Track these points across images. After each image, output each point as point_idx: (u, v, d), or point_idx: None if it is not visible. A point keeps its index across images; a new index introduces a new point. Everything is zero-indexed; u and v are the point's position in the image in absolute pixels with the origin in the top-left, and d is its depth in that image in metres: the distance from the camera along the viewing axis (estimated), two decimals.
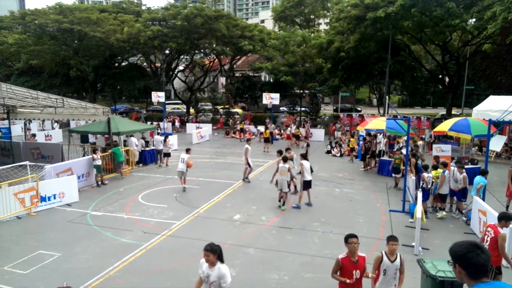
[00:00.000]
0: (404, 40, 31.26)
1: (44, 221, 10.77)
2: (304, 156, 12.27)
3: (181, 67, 43.36)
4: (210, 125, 30.64)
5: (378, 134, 18.46)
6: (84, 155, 17.01)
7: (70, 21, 32.84)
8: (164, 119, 30.39)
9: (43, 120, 30.20)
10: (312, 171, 12.44)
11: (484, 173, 10.79)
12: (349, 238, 5.21)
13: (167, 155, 18.16)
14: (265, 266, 8.07)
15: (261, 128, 26.70)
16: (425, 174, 11.12)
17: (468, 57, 31.56)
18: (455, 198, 11.58)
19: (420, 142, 19.99)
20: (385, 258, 5.50)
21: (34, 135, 21.39)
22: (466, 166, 14.62)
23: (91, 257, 8.43)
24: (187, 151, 14.31)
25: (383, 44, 28.72)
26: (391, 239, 5.59)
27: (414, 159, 13.05)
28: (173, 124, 32.40)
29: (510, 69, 26.41)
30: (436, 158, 13.04)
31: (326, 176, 16.23)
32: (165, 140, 18.20)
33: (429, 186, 11.04)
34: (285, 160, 11.90)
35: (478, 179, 10.60)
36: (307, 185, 11.91)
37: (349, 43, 28.84)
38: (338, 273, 5.27)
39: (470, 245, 2.48)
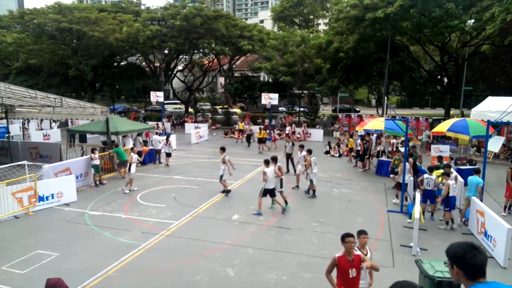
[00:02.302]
0: (403, 41, 31.32)
1: (42, 221, 10.74)
2: (272, 160, 11.77)
3: (180, 67, 43.35)
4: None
5: (370, 135, 18.50)
6: (82, 155, 16.98)
7: (69, 21, 32.80)
8: (164, 119, 30.36)
9: (41, 120, 30.15)
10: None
11: (478, 172, 10.87)
12: (346, 237, 5.21)
13: (169, 155, 18.14)
14: (263, 266, 8.07)
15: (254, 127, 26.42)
16: (424, 175, 11.04)
17: (467, 58, 31.65)
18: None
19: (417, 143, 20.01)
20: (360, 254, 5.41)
21: (9, 132, 20.96)
22: (464, 167, 14.71)
23: (89, 257, 8.41)
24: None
25: (382, 44, 28.78)
26: (362, 232, 5.61)
27: (412, 159, 13.03)
28: (173, 124, 32.53)
29: (508, 70, 26.47)
30: (439, 158, 13.07)
31: (324, 176, 16.22)
32: (167, 140, 18.25)
33: (424, 187, 10.92)
34: (310, 152, 13.14)
35: (474, 179, 10.58)
36: (268, 193, 11.36)
37: (348, 44, 28.89)
38: (335, 271, 5.27)
39: (467, 246, 2.49)
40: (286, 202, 11.65)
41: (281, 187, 11.71)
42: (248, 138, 24.50)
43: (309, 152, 13.22)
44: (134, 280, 7.49)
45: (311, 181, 13.01)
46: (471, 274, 2.44)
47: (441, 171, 11.54)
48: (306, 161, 12.83)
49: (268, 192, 11.36)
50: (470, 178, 10.74)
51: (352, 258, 5.17)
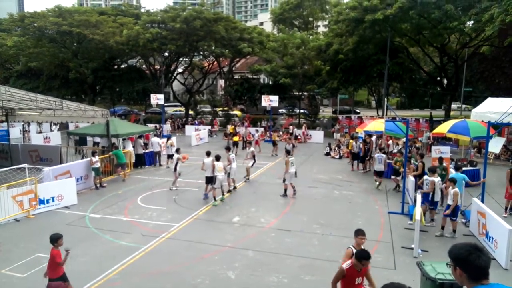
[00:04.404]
0: (403, 42, 31.35)
1: (42, 224, 10.73)
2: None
3: (180, 69, 43.36)
4: (209, 127, 30.74)
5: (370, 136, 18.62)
6: (82, 158, 16.98)
7: (69, 24, 32.84)
8: (168, 121, 30.44)
9: (41, 122, 29.99)
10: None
11: (459, 168, 11.30)
12: (363, 260, 5.14)
13: (171, 156, 18.13)
14: (264, 268, 8.05)
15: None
16: (430, 178, 10.76)
17: (466, 59, 31.67)
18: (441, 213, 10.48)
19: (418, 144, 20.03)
20: (355, 252, 5.64)
21: None
22: (465, 168, 14.67)
23: (90, 260, 8.40)
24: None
25: (381, 46, 28.80)
26: (360, 233, 5.87)
27: (422, 163, 12.74)
28: (177, 127, 32.75)
29: (508, 71, 26.50)
30: (440, 159, 13.06)
31: (325, 178, 16.22)
32: (167, 142, 18.35)
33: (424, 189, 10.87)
34: (288, 152, 14.22)
35: (458, 175, 10.80)
36: (208, 180, 12.74)
37: (347, 45, 28.92)
38: (340, 282, 5.27)
39: (471, 247, 2.47)
40: (214, 199, 12.53)
41: (214, 183, 12.62)
42: (236, 143, 22.26)
43: (288, 152, 14.09)
44: (135, 282, 7.47)
45: (283, 180, 13.29)
46: (474, 275, 2.43)
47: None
48: (285, 162, 13.31)
49: (209, 180, 12.67)
50: (453, 175, 10.89)
51: (360, 269, 5.17)
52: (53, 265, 6.34)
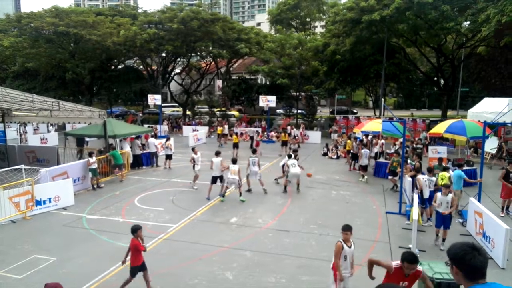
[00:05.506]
0: (399, 43, 31.47)
1: (39, 225, 10.69)
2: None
3: (177, 70, 43.33)
4: (207, 127, 30.72)
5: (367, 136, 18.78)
6: (80, 159, 16.91)
7: (66, 24, 32.74)
8: (164, 121, 30.36)
9: (25, 124, 29.16)
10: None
11: (460, 166, 11.64)
12: (407, 262, 4.97)
13: (169, 157, 18.10)
14: (262, 269, 8.05)
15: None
16: (420, 176, 10.94)
17: (463, 60, 31.83)
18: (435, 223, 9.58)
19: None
20: (344, 246, 6.12)
21: None
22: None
23: (87, 261, 8.37)
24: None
25: (378, 47, 28.91)
26: (346, 228, 6.23)
27: (419, 163, 12.76)
28: (174, 127, 32.73)
29: (504, 71, 26.67)
30: (439, 160, 13.15)
31: (322, 178, 16.24)
32: (165, 142, 18.38)
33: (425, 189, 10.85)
34: (290, 156, 14.44)
35: (457, 172, 11.11)
36: (213, 180, 13.10)
37: (344, 46, 29.00)
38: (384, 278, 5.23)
39: (468, 247, 2.49)
40: (223, 195, 12.92)
41: (221, 181, 13.08)
42: (236, 144, 21.45)
43: (289, 156, 14.48)
44: (132, 284, 7.44)
45: (286, 175, 13.95)
46: (470, 275, 2.45)
47: (444, 173, 11.46)
48: (284, 164, 14.30)
49: (218, 178, 13.02)
50: (456, 172, 11.29)
51: (408, 274, 4.94)
52: (135, 253, 6.81)
